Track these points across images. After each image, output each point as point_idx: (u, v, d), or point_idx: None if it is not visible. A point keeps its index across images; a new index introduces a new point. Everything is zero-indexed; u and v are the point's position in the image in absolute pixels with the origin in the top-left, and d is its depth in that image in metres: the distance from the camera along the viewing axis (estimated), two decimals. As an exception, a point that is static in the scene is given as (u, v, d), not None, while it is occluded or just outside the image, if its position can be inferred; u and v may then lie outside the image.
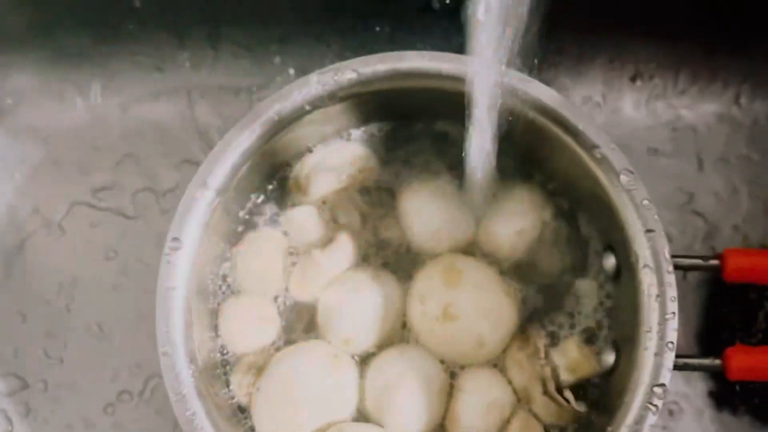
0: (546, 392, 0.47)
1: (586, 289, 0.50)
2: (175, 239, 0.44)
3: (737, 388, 0.55)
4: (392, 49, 0.59)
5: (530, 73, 0.60)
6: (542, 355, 0.48)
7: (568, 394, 0.48)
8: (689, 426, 0.57)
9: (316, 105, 0.47)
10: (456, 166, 0.51)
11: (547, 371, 0.47)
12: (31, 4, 0.58)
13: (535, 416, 0.48)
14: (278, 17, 0.59)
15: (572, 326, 0.50)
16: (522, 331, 0.49)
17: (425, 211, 0.51)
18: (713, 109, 0.62)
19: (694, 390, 0.57)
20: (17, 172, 0.61)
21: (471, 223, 0.52)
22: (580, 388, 0.49)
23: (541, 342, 0.48)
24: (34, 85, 0.61)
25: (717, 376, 0.57)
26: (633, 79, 0.62)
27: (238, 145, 0.46)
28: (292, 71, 0.61)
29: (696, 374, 0.57)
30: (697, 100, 0.62)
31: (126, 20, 0.58)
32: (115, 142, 0.61)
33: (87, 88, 0.61)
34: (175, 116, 0.61)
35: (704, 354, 0.49)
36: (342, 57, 0.60)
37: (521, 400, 0.48)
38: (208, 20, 0.60)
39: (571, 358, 0.48)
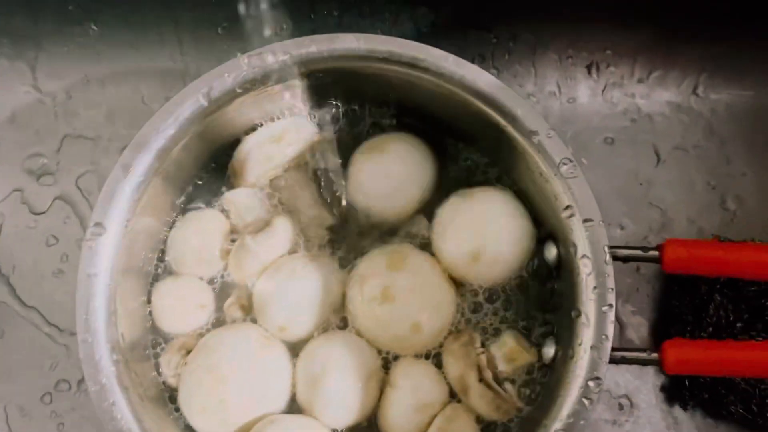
0: (482, 379, 0.46)
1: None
2: (98, 224, 0.43)
3: (687, 383, 0.54)
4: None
5: (483, 60, 0.60)
6: (477, 344, 0.46)
7: (509, 387, 0.47)
8: (640, 421, 0.56)
9: (247, 88, 0.45)
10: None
11: (483, 359, 0.46)
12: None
13: (472, 409, 0.47)
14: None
15: (512, 320, 0.49)
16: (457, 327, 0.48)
17: (374, 174, 0.50)
18: (671, 99, 0.61)
19: (645, 384, 0.56)
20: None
21: (418, 189, 0.51)
22: (521, 385, 0.48)
23: (476, 333, 0.47)
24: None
25: (668, 369, 0.56)
26: (589, 68, 0.61)
27: (165, 128, 0.44)
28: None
29: (647, 369, 0.56)
30: (655, 89, 0.61)
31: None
32: (57, 125, 0.59)
33: (28, 70, 0.60)
34: (121, 99, 0.60)
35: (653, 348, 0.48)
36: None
37: (457, 391, 0.47)
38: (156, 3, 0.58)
39: (508, 348, 0.47)
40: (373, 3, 0.57)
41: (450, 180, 0.52)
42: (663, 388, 0.56)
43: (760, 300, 0.54)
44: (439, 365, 0.48)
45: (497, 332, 0.49)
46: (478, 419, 0.47)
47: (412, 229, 0.50)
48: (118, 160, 0.44)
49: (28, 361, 0.56)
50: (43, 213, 0.58)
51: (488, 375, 0.46)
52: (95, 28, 0.58)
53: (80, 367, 0.54)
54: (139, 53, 0.59)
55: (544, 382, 0.47)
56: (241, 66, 0.45)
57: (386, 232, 0.52)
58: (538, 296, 0.50)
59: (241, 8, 0.57)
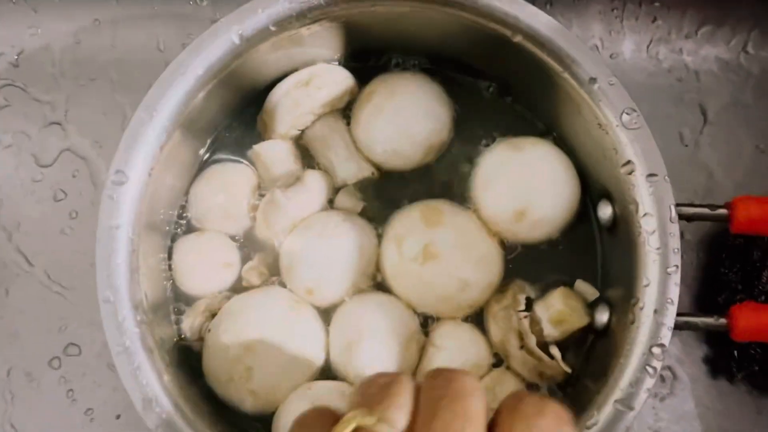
0: (523, 347, 0.43)
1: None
2: (119, 172, 0.39)
3: (735, 353, 0.51)
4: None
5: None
6: (521, 306, 0.43)
7: (554, 350, 0.44)
8: (682, 393, 0.53)
9: (283, 26, 0.41)
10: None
11: (525, 324, 0.43)
12: None
13: (516, 374, 0.44)
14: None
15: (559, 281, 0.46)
16: (502, 286, 0.45)
17: (377, 119, 0.46)
18: (719, 55, 0.58)
19: (689, 356, 0.53)
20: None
21: (444, 127, 0.47)
22: (571, 348, 0.45)
23: (522, 296, 0.44)
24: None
25: (713, 341, 0.53)
26: (635, 21, 0.57)
27: (193, 68, 0.40)
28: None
29: (691, 339, 0.53)
30: (703, 45, 0.57)
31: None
32: (68, 70, 0.55)
33: (31, 11, 0.55)
34: (137, 44, 0.56)
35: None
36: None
37: (501, 356, 0.44)
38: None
39: (556, 311, 0.44)
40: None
41: (490, 129, 0.49)
42: (707, 360, 0.53)
43: (815, 268, 0.51)
44: (479, 328, 0.45)
45: (547, 288, 0.46)
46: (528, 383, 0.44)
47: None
48: (142, 101, 0.40)
49: (34, 323, 0.52)
50: (50, 165, 0.54)
51: (531, 341, 0.43)
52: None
53: (91, 330, 0.52)
54: (155, -3, 0.55)
55: (598, 349, 0.44)
56: (277, 1, 0.41)
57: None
58: (586, 260, 0.46)
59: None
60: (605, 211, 0.44)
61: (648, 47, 0.57)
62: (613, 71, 0.56)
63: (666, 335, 0.39)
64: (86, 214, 0.53)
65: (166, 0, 0.55)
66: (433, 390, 0.31)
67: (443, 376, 0.31)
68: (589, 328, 0.45)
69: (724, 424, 0.53)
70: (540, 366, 0.44)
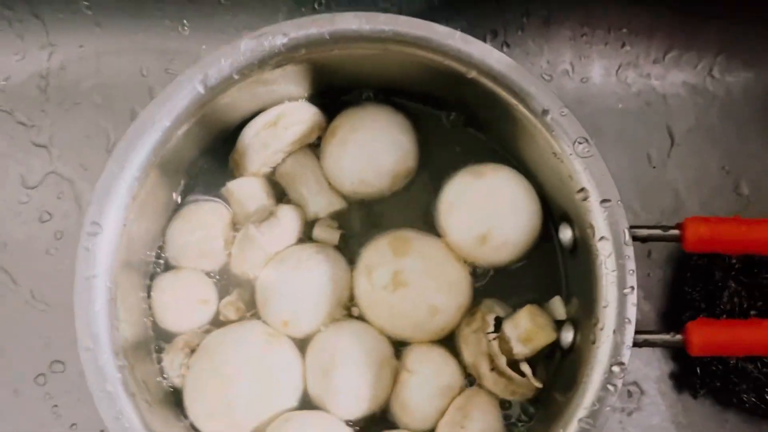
0: (494, 368, 0.45)
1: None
2: (94, 224, 0.41)
3: (698, 370, 0.53)
4: (350, 5, 0.57)
5: (494, 36, 0.58)
6: (489, 328, 0.45)
7: (525, 367, 0.45)
8: (649, 408, 0.55)
9: (246, 74, 0.43)
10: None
11: (494, 346, 0.45)
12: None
13: (489, 392, 0.46)
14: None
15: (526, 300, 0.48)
16: (471, 307, 0.47)
17: (346, 151, 0.48)
18: (686, 80, 0.60)
19: (654, 371, 0.55)
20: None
21: (408, 155, 0.49)
22: (541, 362, 0.47)
23: (491, 317, 0.45)
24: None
25: (678, 357, 0.55)
26: (604, 46, 0.59)
27: (160, 119, 0.42)
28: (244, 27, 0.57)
29: (656, 356, 0.55)
30: (670, 69, 0.59)
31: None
32: (54, 95, 0.57)
33: (18, 38, 0.57)
34: (120, 70, 0.57)
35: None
36: (297, 12, 0.57)
37: (474, 377, 0.46)
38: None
39: (524, 329, 0.45)
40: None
41: (453, 157, 0.50)
42: (672, 376, 0.55)
43: (775, 287, 0.53)
44: (451, 350, 0.47)
45: (516, 306, 0.47)
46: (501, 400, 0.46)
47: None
48: (112, 155, 0.41)
49: (19, 340, 0.54)
50: (36, 187, 0.56)
51: (501, 362, 0.45)
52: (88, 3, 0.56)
53: (75, 348, 0.53)
54: (139, 24, 0.57)
55: (565, 365, 0.46)
56: (238, 50, 0.42)
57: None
58: (550, 280, 0.48)
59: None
60: (566, 233, 0.46)
61: (617, 71, 0.59)
62: (582, 95, 0.59)
63: (625, 354, 0.40)
64: (71, 235, 0.55)
65: (149, 28, 0.57)
66: None
67: None
68: (557, 345, 0.47)
69: (689, 438, 0.54)
70: (511, 384, 0.45)
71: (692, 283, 0.54)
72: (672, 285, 0.56)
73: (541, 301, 0.48)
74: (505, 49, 0.58)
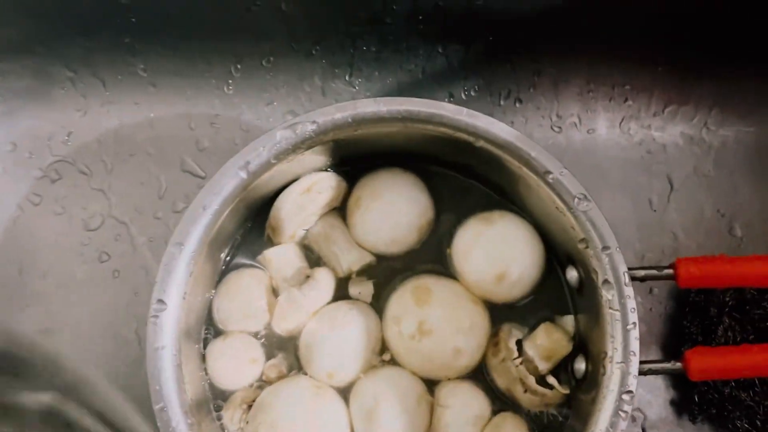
0: (527, 390, 0.50)
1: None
2: (160, 301, 0.46)
3: (696, 398, 0.58)
4: (378, 68, 0.63)
5: (508, 94, 0.64)
6: (514, 356, 0.50)
7: (551, 379, 0.51)
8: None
9: (281, 157, 0.48)
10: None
11: (523, 370, 0.50)
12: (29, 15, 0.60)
13: (516, 416, 0.51)
14: (268, 34, 0.61)
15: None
16: (493, 337, 0.52)
17: (370, 216, 0.53)
18: (684, 131, 0.65)
19: (657, 399, 0.60)
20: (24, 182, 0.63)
21: (427, 208, 0.54)
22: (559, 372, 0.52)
23: (512, 342, 0.51)
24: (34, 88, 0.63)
25: (678, 386, 0.60)
26: (608, 101, 0.65)
27: (210, 204, 0.47)
28: (283, 87, 0.64)
29: (658, 384, 0.60)
30: (669, 122, 0.65)
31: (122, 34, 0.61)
32: (111, 147, 0.63)
33: (86, 98, 0.64)
34: (171, 123, 0.64)
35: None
36: (331, 74, 0.64)
37: (507, 401, 0.52)
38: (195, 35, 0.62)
39: (542, 347, 0.50)
40: (409, 40, 0.61)
41: (463, 207, 0.56)
42: (673, 402, 0.60)
43: (764, 322, 0.58)
44: (476, 380, 0.52)
45: (530, 326, 0.53)
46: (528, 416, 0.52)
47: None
48: (171, 238, 0.46)
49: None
50: (96, 230, 0.62)
51: (532, 382, 0.50)
52: (144, 66, 0.63)
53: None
54: (188, 84, 0.63)
55: (579, 394, 0.51)
56: (275, 139, 0.48)
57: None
58: (560, 309, 0.54)
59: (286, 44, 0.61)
60: (572, 275, 0.51)
61: (621, 123, 0.65)
62: (589, 145, 0.65)
63: (633, 383, 0.45)
64: (127, 274, 0.61)
65: (198, 87, 0.63)
66: None
67: None
68: (572, 376, 0.52)
69: (690, 461, 0.60)
70: (544, 398, 0.51)
71: (690, 318, 0.59)
72: (672, 319, 0.61)
73: (553, 319, 0.53)
74: (518, 104, 0.64)
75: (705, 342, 0.58)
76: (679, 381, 0.60)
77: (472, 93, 0.64)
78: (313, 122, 0.48)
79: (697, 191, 0.65)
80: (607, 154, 0.65)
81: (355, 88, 0.64)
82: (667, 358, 0.60)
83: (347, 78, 0.64)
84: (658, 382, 0.61)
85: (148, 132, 0.64)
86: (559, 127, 0.65)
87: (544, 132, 0.65)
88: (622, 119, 0.65)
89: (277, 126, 0.47)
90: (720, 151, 0.65)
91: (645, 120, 0.65)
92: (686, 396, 0.60)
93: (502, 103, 0.65)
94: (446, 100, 0.64)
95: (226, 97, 0.64)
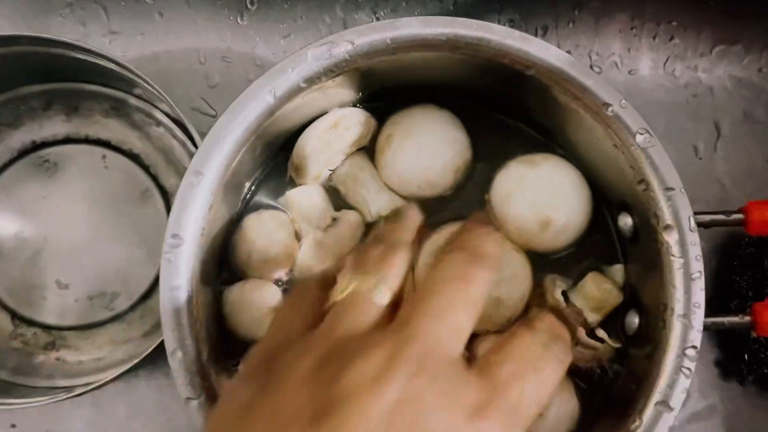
0: (577, 343, 0.46)
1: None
2: (175, 236, 0.41)
3: (746, 357, 0.54)
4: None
5: (545, 32, 0.59)
6: (562, 305, 0.46)
7: (601, 332, 0.46)
8: (694, 395, 0.57)
9: (312, 81, 0.43)
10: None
11: (573, 320, 0.46)
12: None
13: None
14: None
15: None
16: (537, 288, 0.48)
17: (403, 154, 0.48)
18: (733, 73, 0.61)
19: (701, 359, 0.57)
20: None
21: (465, 148, 0.49)
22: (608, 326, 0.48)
23: (558, 293, 0.46)
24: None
25: (723, 345, 0.56)
26: (652, 39, 0.60)
27: (232, 130, 0.42)
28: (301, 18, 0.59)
29: (703, 343, 0.55)
30: (717, 63, 0.60)
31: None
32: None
33: (86, 27, 0.58)
34: (179, 61, 0.59)
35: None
36: (354, 4, 0.58)
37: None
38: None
39: (592, 298, 0.46)
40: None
41: (504, 149, 0.51)
42: (718, 363, 0.57)
43: (824, 277, 0.54)
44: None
45: (577, 278, 0.48)
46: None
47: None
48: (189, 167, 0.41)
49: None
50: (97, 172, 0.57)
51: (582, 334, 0.46)
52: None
53: None
54: (198, 13, 0.58)
55: (633, 351, 0.47)
56: (306, 59, 0.42)
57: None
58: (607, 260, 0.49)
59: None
60: (626, 221, 0.47)
61: (665, 64, 0.60)
62: (631, 87, 0.60)
63: (696, 337, 0.41)
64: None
65: (208, 17, 0.58)
66: (441, 269, 0.33)
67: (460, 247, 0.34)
68: (622, 332, 0.48)
69: (736, 424, 0.56)
70: (596, 353, 0.47)
71: (740, 272, 0.55)
72: (718, 274, 0.57)
73: (601, 269, 0.49)
74: (555, 41, 0.59)
75: (755, 299, 0.54)
76: (724, 340, 0.56)
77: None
78: (350, 42, 0.42)
79: (747, 138, 0.60)
80: (650, 97, 0.60)
81: (379, 20, 0.59)
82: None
83: (372, 9, 0.59)
84: (703, 340, 0.56)
85: (154, 66, 0.59)
86: (599, 67, 0.60)
87: (583, 72, 0.60)
88: (667, 59, 0.60)
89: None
90: (772, 96, 0.61)
91: (692, 60, 0.60)
92: (733, 355, 0.55)
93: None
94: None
95: (239, 29, 0.59)
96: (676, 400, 0.41)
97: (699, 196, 0.58)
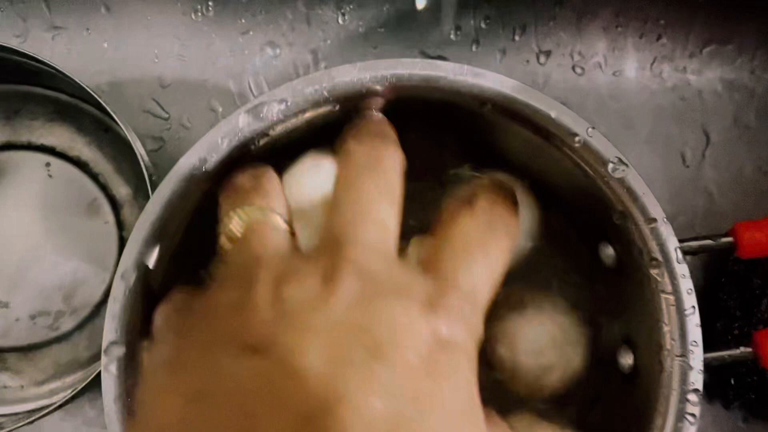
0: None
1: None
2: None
3: (732, 381, 0.51)
4: None
5: (523, 30, 0.55)
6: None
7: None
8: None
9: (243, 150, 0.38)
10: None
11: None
12: None
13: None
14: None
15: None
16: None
17: None
18: (724, 75, 0.57)
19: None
20: None
21: None
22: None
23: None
24: None
25: (710, 368, 0.53)
26: (638, 38, 0.56)
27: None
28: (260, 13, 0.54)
29: (689, 364, 0.53)
30: (707, 64, 0.57)
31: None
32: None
33: (27, 21, 0.54)
34: (130, 58, 0.54)
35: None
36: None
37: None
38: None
39: None
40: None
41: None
42: (703, 386, 0.53)
43: (816, 296, 0.51)
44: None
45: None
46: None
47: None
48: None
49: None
50: (40, 180, 0.53)
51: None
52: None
53: None
54: (150, 8, 0.54)
55: (628, 395, 0.43)
56: (236, 126, 0.37)
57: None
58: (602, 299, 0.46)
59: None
60: (607, 253, 0.42)
61: (652, 65, 0.56)
62: (615, 90, 0.56)
63: (698, 379, 0.38)
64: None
65: (160, 11, 0.54)
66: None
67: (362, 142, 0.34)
68: (616, 371, 0.44)
69: (720, 449, 0.53)
70: None
71: (728, 291, 0.52)
72: (704, 292, 0.54)
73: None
74: (534, 40, 0.55)
75: (743, 319, 0.51)
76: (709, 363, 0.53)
77: (483, 25, 0.55)
78: (282, 101, 0.37)
79: (737, 145, 0.56)
80: (635, 100, 0.56)
81: (344, 16, 0.55)
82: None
83: (336, 5, 0.54)
84: (688, 363, 0.53)
85: (102, 65, 0.54)
86: (582, 68, 0.56)
87: (564, 73, 0.56)
88: (654, 60, 0.56)
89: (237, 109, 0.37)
90: (764, 100, 0.56)
91: (680, 61, 0.56)
92: (719, 379, 0.52)
93: (516, 38, 0.56)
94: (453, 32, 0.55)
95: (194, 24, 0.54)
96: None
97: (686, 207, 0.55)
